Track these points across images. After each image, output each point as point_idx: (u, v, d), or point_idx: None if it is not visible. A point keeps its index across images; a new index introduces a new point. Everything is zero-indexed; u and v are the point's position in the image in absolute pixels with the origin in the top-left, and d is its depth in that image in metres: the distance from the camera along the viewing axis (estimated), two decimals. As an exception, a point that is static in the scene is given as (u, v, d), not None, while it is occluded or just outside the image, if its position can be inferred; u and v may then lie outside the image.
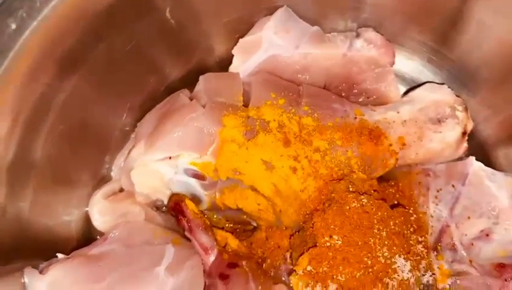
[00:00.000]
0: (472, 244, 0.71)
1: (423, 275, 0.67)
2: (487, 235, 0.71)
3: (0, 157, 0.60)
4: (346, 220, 0.60)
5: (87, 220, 0.76)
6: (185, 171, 0.67)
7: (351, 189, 0.63)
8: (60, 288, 0.60)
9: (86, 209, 0.76)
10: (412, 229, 0.67)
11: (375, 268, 0.60)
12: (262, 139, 0.64)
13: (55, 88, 0.64)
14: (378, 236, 0.61)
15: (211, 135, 0.65)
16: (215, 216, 0.75)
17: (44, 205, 0.70)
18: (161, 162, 0.67)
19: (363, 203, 0.62)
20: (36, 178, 0.67)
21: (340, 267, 0.58)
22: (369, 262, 0.59)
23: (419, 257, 0.66)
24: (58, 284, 0.60)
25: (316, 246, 0.60)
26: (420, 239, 0.69)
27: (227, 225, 0.75)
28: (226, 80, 0.71)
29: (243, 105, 0.68)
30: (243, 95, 0.69)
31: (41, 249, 0.67)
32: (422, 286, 0.66)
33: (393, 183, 0.75)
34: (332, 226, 0.60)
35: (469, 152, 0.77)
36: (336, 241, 0.59)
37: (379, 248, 0.61)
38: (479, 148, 0.79)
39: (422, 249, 0.68)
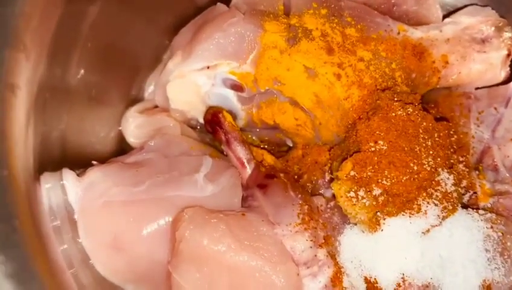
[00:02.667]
0: (514, 165, 0.70)
1: (464, 193, 0.66)
2: (530, 157, 0.69)
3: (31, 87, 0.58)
4: (392, 127, 0.59)
5: (119, 140, 0.75)
6: (223, 82, 0.66)
7: (396, 99, 0.61)
8: (97, 190, 0.59)
9: (119, 128, 0.75)
10: (452, 149, 0.66)
11: (420, 175, 0.58)
12: (305, 46, 0.62)
13: (80, 12, 0.62)
14: (423, 145, 0.59)
15: (251, 41, 0.63)
16: (250, 136, 0.74)
17: (79, 125, 0.69)
18: (199, 72, 0.66)
19: (409, 111, 0.60)
20: (73, 100, 0.66)
21: (386, 171, 0.57)
22: (415, 168, 0.58)
23: (460, 176, 0.65)
24: (96, 186, 0.59)
25: (359, 151, 0.58)
26: (461, 159, 0.67)
27: (261, 146, 0.74)
28: (264, -9, 0.69)
29: (284, 14, 0.66)
30: (283, 5, 0.67)
31: (77, 165, 0.65)
32: (463, 204, 0.65)
33: (433, 105, 0.74)
34: (377, 132, 0.58)
35: (510, 77, 0.75)
36: (382, 147, 0.58)
37: (424, 156, 0.59)
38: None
39: (464, 168, 0.66)
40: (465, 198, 0.66)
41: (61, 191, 0.59)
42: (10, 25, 0.43)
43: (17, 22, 0.43)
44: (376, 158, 0.57)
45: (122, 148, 0.75)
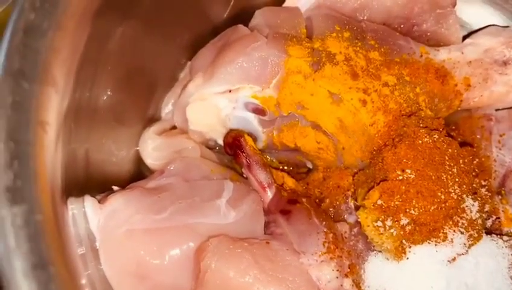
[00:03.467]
0: (537, 190, 0.69)
1: (487, 218, 0.65)
2: (552, 181, 0.69)
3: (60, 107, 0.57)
4: (419, 155, 0.58)
5: (137, 160, 0.74)
6: (245, 106, 0.65)
7: (421, 125, 0.61)
8: (119, 218, 0.58)
9: (136, 148, 0.74)
10: (474, 173, 0.65)
11: (447, 204, 0.57)
12: (329, 71, 0.61)
13: (105, 35, 0.61)
14: (449, 172, 0.59)
15: (275, 65, 0.62)
16: (268, 158, 0.73)
17: (100, 144, 0.68)
18: (220, 95, 0.65)
19: (435, 138, 0.60)
20: (95, 121, 0.65)
21: (414, 201, 0.56)
22: (443, 197, 0.57)
23: (483, 201, 0.64)
24: (117, 214, 0.58)
25: (386, 180, 0.58)
26: (484, 183, 0.67)
27: (281, 167, 0.73)
28: (286, 12, 0.68)
29: (306, 37, 0.65)
30: (305, 28, 0.66)
31: (99, 187, 0.64)
32: (486, 229, 0.64)
33: (453, 127, 0.73)
34: (404, 160, 0.58)
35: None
36: (409, 175, 0.57)
37: (451, 184, 0.58)
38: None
39: (486, 192, 0.65)
40: (488, 223, 0.66)
41: (84, 217, 0.58)
42: (40, 60, 0.41)
43: (47, 56, 0.42)
44: (404, 187, 0.57)
45: (140, 168, 0.74)
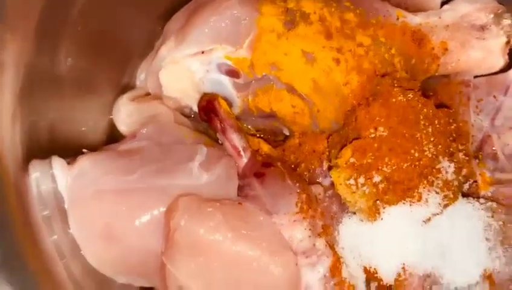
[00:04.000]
0: (514, 154, 0.69)
1: (464, 182, 0.64)
2: (530, 145, 0.68)
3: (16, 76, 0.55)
4: (392, 113, 0.57)
5: (111, 128, 0.73)
6: (218, 67, 0.64)
7: (396, 84, 0.60)
8: (88, 179, 0.57)
9: (110, 116, 0.72)
10: (452, 138, 0.64)
11: (421, 162, 0.57)
12: (303, 30, 0.60)
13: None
14: (424, 131, 0.58)
15: (248, 24, 0.61)
16: (244, 125, 0.72)
17: (69, 114, 0.67)
18: (193, 57, 0.64)
19: (409, 97, 0.59)
20: (62, 88, 0.64)
21: (386, 158, 0.55)
22: (416, 154, 0.56)
23: (460, 165, 0.63)
24: (87, 175, 0.57)
25: (359, 138, 0.57)
26: (461, 147, 0.66)
27: (257, 135, 0.72)
28: (260, -26, 0.67)
29: (281, -1, 0.64)
30: (279, -11, 0.65)
31: (67, 154, 0.63)
32: (463, 192, 0.64)
33: (431, 93, 0.72)
34: (377, 118, 0.57)
35: (509, 66, 0.74)
36: (382, 133, 0.56)
37: (425, 142, 0.58)
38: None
39: (464, 156, 0.65)
40: (466, 187, 0.65)
41: (50, 179, 0.57)
42: None
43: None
44: (376, 145, 0.56)
45: (114, 137, 0.72)
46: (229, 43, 0.62)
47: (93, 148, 0.70)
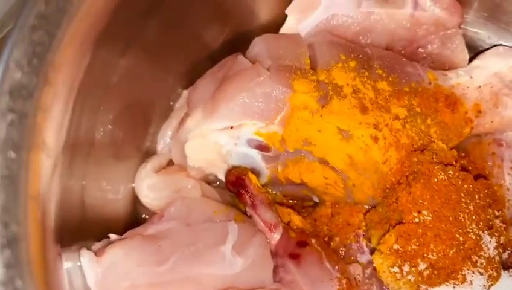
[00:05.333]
0: (552, 218, 0.67)
1: (503, 251, 0.62)
2: None
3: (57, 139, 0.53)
4: (435, 194, 0.55)
5: (133, 198, 0.70)
6: (248, 142, 0.61)
7: (435, 160, 0.58)
8: (118, 273, 0.54)
9: (132, 185, 0.70)
10: (488, 204, 0.62)
11: (466, 245, 0.55)
12: (337, 106, 0.58)
13: (106, 65, 0.58)
14: (466, 210, 0.56)
15: (279, 101, 0.58)
16: (272, 191, 0.69)
17: (96, 182, 0.64)
18: (221, 132, 0.61)
19: (450, 175, 0.57)
20: (92, 156, 0.61)
21: (431, 244, 0.53)
22: (461, 239, 0.54)
23: (498, 233, 0.62)
24: (117, 268, 0.54)
25: (402, 222, 0.55)
26: (497, 213, 0.64)
27: (285, 201, 0.70)
28: (287, 41, 0.65)
29: (310, 68, 0.62)
30: (309, 58, 0.63)
31: (94, 230, 0.61)
32: (502, 264, 0.62)
33: (463, 154, 0.70)
34: (420, 201, 0.55)
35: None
36: (426, 217, 0.54)
37: (468, 223, 0.56)
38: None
39: (501, 224, 0.63)
40: (504, 256, 0.63)
41: (80, 273, 0.54)
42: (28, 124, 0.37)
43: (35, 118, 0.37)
44: (420, 230, 0.54)
45: (137, 206, 0.70)
46: (259, 119, 0.59)
47: (119, 218, 0.68)
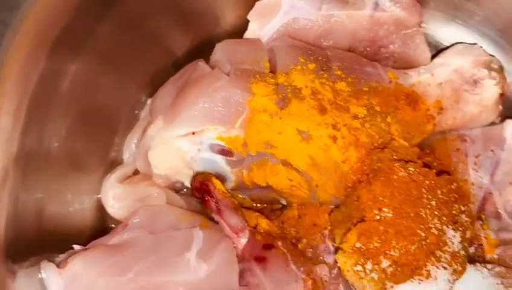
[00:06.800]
0: (517, 211, 0.68)
1: (469, 246, 0.63)
2: (532, 200, 0.67)
3: (7, 150, 0.53)
4: (396, 191, 0.55)
5: (99, 208, 0.69)
6: (211, 148, 0.61)
7: (395, 157, 0.58)
8: (81, 283, 0.54)
9: (98, 196, 0.69)
10: (453, 199, 0.63)
11: (428, 241, 0.55)
12: (296, 108, 0.58)
13: (57, 73, 0.58)
14: (428, 206, 0.56)
15: (239, 105, 0.58)
16: (240, 195, 0.69)
17: (56, 194, 0.64)
18: (183, 138, 0.61)
19: (411, 171, 0.57)
20: (48, 167, 0.61)
21: (393, 241, 0.54)
22: (423, 234, 0.55)
23: (464, 228, 0.62)
24: (79, 279, 0.54)
25: (363, 220, 0.55)
26: (463, 208, 0.64)
27: (254, 205, 0.70)
28: (248, 45, 0.65)
29: (270, 72, 0.62)
30: (268, 62, 0.63)
31: (55, 242, 0.60)
32: (469, 257, 0.62)
33: (428, 151, 0.71)
34: (381, 198, 0.55)
35: (503, 116, 0.73)
36: (387, 214, 0.54)
37: (430, 218, 0.56)
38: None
39: (467, 218, 0.63)
40: (471, 250, 0.63)
41: (39, 286, 0.53)
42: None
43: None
44: (382, 227, 0.54)
45: (103, 216, 0.69)
46: (220, 124, 0.59)
47: (82, 230, 0.67)
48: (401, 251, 0.53)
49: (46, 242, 0.61)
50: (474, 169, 0.69)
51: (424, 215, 0.55)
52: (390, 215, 0.54)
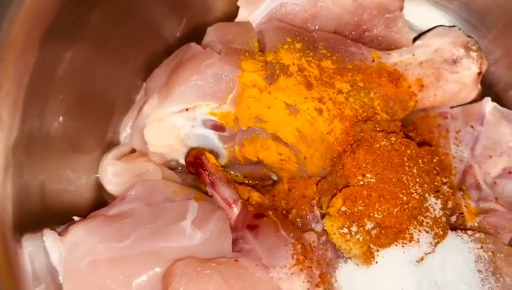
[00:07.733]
0: (495, 182, 0.71)
1: (451, 215, 0.66)
2: (509, 172, 0.71)
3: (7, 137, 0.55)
4: (378, 158, 0.59)
5: (97, 187, 0.72)
6: (204, 123, 0.64)
7: (378, 129, 0.62)
8: (81, 250, 0.56)
9: (96, 175, 0.72)
10: (435, 171, 0.66)
11: (410, 205, 0.58)
12: (284, 83, 0.62)
13: (52, 60, 0.60)
14: (410, 173, 0.60)
15: (230, 81, 0.62)
16: (232, 172, 0.72)
17: (57, 174, 0.66)
18: (177, 115, 0.64)
19: (392, 141, 0.60)
20: (49, 149, 0.64)
21: (376, 204, 0.57)
22: (405, 198, 0.58)
23: (446, 198, 0.65)
24: (79, 245, 0.57)
25: (348, 186, 0.58)
26: (445, 180, 0.68)
27: (246, 182, 0.73)
28: (238, 27, 0.68)
29: (259, 51, 0.66)
30: (257, 42, 0.66)
31: (57, 217, 0.63)
32: (451, 225, 0.65)
33: (411, 128, 0.74)
34: (364, 165, 0.58)
35: (481, 94, 0.77)
36: (370, 179, 0.58)
37: (412, 184, 0.59)
38: (490, 90, 0.79)
39: (448, 189, 0.67)
40: (452, 219, 0.67)
41: (43, 253, 0.56)
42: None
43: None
44: (365, 192, 0.57)
45: (102, 195, 0.72)
46: (212, 99, 0.62)
47: (83, 207, 0.70)
48: (384, 214, 0.56)
49: (49, 217, 0.63)
50: (455, 144, 0.72)
51: (405, 181, 0.59)
52: (373, 180, 0.57)
